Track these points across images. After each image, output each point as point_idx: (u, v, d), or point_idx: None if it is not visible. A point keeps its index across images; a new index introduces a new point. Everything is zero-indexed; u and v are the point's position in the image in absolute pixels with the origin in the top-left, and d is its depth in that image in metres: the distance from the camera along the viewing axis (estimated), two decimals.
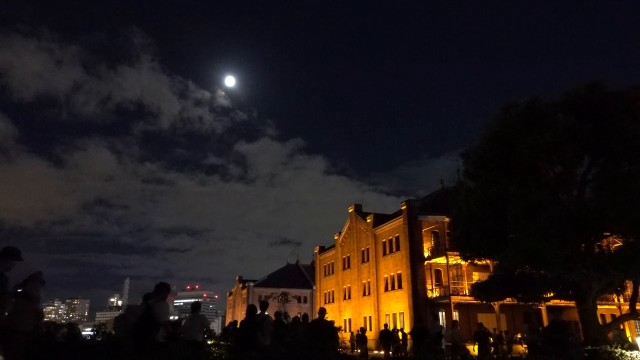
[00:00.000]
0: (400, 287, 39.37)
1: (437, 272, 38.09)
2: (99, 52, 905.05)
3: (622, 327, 24.10)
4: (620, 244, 19.97)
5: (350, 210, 51.35)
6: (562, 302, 29.11)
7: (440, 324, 18.36)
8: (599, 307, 23.03)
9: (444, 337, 17.89)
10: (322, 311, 13.12)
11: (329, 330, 12.90)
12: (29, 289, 6.36)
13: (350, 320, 47.68)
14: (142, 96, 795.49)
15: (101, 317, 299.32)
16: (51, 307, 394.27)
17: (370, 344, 32.05)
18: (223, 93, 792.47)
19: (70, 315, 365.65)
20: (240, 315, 76.33)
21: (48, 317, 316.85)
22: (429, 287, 37.56)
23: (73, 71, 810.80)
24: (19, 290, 6.18)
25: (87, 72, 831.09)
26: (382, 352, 22.90)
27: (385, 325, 29.07)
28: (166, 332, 8.14)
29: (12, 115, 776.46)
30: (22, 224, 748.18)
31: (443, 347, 17.46)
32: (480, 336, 19.65)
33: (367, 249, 46.17)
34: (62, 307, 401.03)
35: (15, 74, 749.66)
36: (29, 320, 6.21)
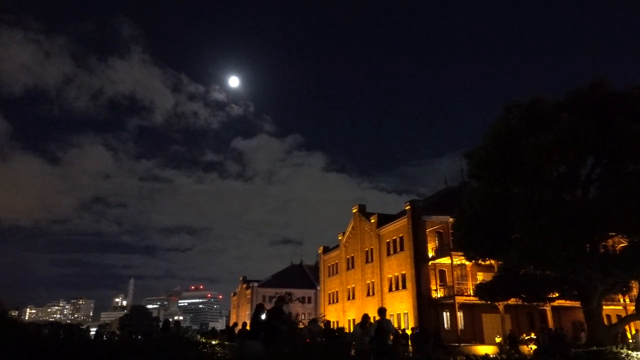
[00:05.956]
0: (404, 287, 39.34)
1: (442, 273, 38.04)
2: (88, 44, 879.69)
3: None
4: (626, 244, 19.89)
5: (354, 211, 51.36)
6: (567, 303, 29.02)
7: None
8: (604, 307, 22.92)
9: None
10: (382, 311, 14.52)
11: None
12: (279, 306, 11.78)
13: (354, 320, 47.65)
14: (134, 90, 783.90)
15: (106, 317, 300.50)
16: (56, 307, 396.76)
17: None
18: (218, 87, 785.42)
19: (75, 316, 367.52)
20: (244, 315, 76.43)
21: (53, 317, 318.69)
22: (433, 287, 37.51)
23: (62, 64, 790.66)
24: (274, 307, 11.71)
25: (77, 64, 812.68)
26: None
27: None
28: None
29: (2, 110, 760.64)
30: (19, 223, 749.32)
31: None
32: None
33: (371, 249, 46.16)
34: (67, 307, 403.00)
35: (3, 66, 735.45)
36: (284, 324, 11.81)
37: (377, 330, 13.69)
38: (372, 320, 14.57)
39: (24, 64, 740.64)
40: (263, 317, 12.09)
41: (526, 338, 30.85)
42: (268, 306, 13.28)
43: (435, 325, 34.11)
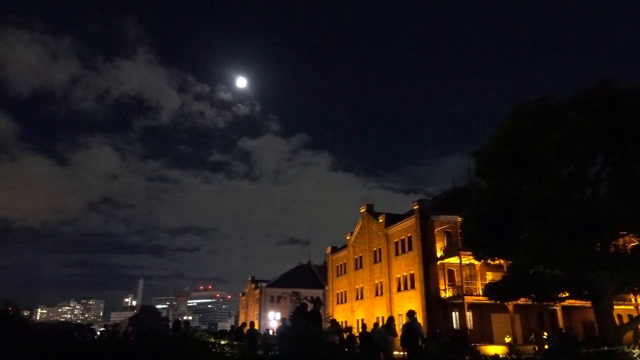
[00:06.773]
0: (413, 287, 39.28)
1: (450, 272, 37.93)
2: (94, 44, 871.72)
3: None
4: (637, 243, 19.73)
5: (362, 210, 51.35)
6: (577, 302, 28.82)
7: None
8: (615, 307, 22.74)
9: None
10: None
11: None
12: (317, 309, 12.51)
13: (362, 320, 47.66)
14: (140, 90, 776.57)
15: (116, 317, 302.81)
16: (67, 308, 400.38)
17: None
18: (224, 86, 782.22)
19: (86, 315, 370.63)
20: (253, 315, 76.66)
21: (64, 317, 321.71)
22: (441, 287, 37.41)
23: (69, 64, 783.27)
24: (312, 310, 12.51)
25: (84, 65, 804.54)
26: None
27: (364, 326, 25.60)
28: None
29: (10, 111, 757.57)
30: (28, 224, 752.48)
31: None
32: None
33: (379, 249, 46.12)
34: (77, 307, 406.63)
35: (10, 67, 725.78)
36: (320, 327, 12.21)
37: (407, 331, 14.15)
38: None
39: (31, 65, 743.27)
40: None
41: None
42: (277, 306, 13.68)
43: (463, 326, 33.85)
